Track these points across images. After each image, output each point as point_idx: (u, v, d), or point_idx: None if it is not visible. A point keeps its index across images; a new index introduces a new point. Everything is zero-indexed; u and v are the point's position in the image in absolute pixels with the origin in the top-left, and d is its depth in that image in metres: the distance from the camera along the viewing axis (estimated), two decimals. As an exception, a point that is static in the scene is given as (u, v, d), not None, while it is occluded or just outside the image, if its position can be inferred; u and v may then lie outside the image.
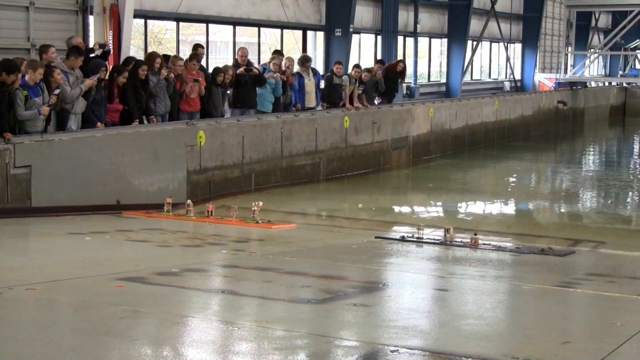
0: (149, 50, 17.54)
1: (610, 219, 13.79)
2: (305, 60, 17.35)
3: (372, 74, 18.65)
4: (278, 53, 17.06)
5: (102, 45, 13.62)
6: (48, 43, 12.52)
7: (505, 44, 34.19)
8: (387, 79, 19.29)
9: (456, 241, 9.99)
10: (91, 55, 12.99)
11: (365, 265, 8.71)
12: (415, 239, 10.15)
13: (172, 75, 13.71)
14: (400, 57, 26.18)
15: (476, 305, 6.99)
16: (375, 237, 10.50)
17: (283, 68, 16.25)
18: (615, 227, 13.19)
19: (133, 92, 12.88)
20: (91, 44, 14.16)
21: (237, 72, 15.24)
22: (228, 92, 15.37)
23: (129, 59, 13.55)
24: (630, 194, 17.51)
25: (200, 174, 13.47)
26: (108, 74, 12.72)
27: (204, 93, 14.42)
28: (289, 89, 16.63)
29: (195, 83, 14.21)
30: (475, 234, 9.99)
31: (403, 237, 10.32)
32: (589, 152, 26.95)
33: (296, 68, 16.97)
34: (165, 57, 14.19)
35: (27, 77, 10.95)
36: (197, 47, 15.09)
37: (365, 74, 18.25)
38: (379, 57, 25.18)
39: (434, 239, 10.18)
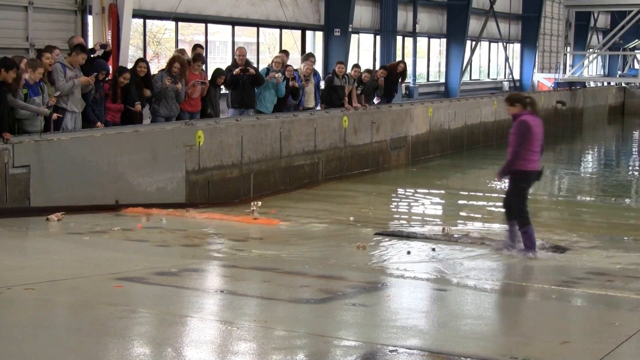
0: (148, 50, 17.56)
1: (610, 219, 13.78)
2: (307, 58, 17.34)
3: (374, 77, 18.64)
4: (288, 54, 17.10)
5: (104, 46, 13.62)
6: (47, 43, 12.51)
7: (504, 44, 34.18)
8: (388, 80, 19.28)
9: (455, 240, 9.99)
10: (92, 55, 13.01)
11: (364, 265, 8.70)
12: (415, 238, 10.14)
13: (179, 86, 13.72)
14: (399, 56, 26.19)
15: (475, 305, 6.99)
16: (375, 234, 10.52)
17: (295, 68, 16.33)
18: (614, 226, 13.17)
19: (135, 88, 13.01)
20: (90, 44, 14.16)
21: (234, 72, 15.21)
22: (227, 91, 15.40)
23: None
24: (629, 194, 17.50)
25: (199, 174, 13.46)
26: (111, 75, 12.77)
27: (205, 94, 14.43)
28: (300, 94, 16.65)
29: (202, 85, 14.20)
30: (474, 233, 9.98)
31: (402, 235, 10.32)
32: (587, 152, 26.95)
33: (297, 67, 16.98)
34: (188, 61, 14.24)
35: (27, 76, 10.95)
36: (196, 47, 15.08)
37: (365, 74, 18.23)
38: (377, 57, 25.22)
39: (433, 239, 10.18)
